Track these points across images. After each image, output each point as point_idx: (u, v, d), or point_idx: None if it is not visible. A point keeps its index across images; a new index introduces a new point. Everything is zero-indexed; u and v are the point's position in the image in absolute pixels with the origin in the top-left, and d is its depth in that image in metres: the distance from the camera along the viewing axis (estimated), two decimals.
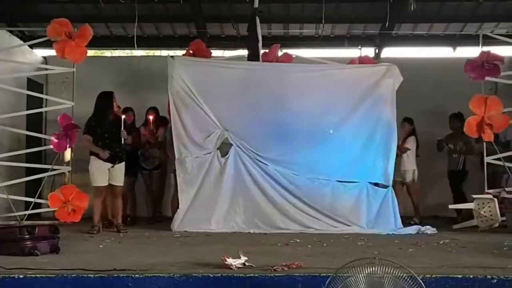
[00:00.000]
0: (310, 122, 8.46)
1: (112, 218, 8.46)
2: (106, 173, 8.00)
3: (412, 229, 8.05)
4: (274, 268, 4.51)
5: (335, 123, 8.49)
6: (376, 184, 8.45)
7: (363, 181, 8.40)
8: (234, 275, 4.37)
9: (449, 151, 9.84)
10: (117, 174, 8.08)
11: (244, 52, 9.97)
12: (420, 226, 8.16)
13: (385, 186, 8.43)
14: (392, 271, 3.42)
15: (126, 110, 9.13)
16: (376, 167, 8.45)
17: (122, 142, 8.02)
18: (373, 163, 8.46)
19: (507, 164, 8.84)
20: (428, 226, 8.14)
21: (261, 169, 8.36)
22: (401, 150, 9.34)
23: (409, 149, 9.51)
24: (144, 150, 9.55)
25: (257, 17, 9.06)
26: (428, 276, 4.24)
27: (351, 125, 8.50)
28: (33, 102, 10.14)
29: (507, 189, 8.88)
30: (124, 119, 8.12)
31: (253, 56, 9.04)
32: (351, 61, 9.51)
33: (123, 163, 8.16)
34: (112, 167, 8.00)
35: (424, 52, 12.62)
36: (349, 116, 8.51)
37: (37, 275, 4.34)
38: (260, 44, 9.03)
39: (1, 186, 8.67)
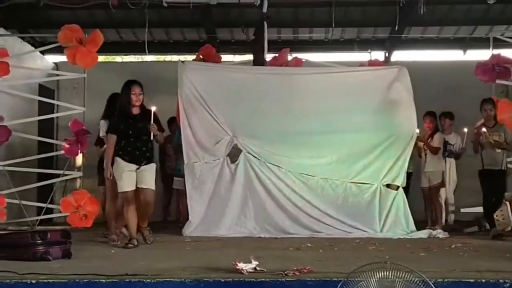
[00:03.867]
0: (323, 125, 8.43)
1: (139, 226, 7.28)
2: (133, 176, 6.83)
3: (424, 233, 8.01)
4: (285, 272, 4.50)
5: (348, 125, 8.45)
6: (388, 186, 8.42)
7: (376, 182, 8.38)
8: (245, 279, 4.37)
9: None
10: (146, 175, 6.87)
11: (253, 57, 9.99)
12: (431, 230, 8.12)
13: (397, 188, 8.39)
14: (403, 275, 3.40)
15: None
16: (390, 169, 8.41)
17: (152, 138, 6.92)
18: (387, 165, 8.42)
19: None
20: (439, 230, 8.10)
21: (272, 174, 8.34)
22: (432, 150, 8.65)
23: (440, 149, 8.75)
24: None
25: (265, 22, 9.09)
26: (440, 280, 4.22)
27: (365, 127, 8.47)
28: (44, 108, 10.21)
29: None
30: (154, 112, 6.93)
31: (258, 61, 9.07)
32: (361, 64, 9.52)
33: (153, 165, 7.06)
34: (138, 168, 6.83)
35: (434, 56, 12.60)
36: (363, 118, 8.49)
37: (50, 280, 4.35)
38: (265, 49, 9.07)
39: (13, 192, 8.73)
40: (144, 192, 6.85)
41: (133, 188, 6.82)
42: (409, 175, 8.77)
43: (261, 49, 9.07)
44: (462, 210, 9.17)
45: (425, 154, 8.74)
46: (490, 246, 6.87)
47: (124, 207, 6.88)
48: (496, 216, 8.22)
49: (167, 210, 10.48)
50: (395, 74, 8.62)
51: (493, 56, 8.99)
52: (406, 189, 8.59)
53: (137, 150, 6.86)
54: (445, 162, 9.03)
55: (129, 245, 6.66)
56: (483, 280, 4.31)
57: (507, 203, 8.32)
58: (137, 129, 6.85)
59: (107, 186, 7.39)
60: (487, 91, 9.06)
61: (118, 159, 6.82)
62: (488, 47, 9.44)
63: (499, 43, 9.59)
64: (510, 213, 8.31)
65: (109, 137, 6.94)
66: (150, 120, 6.83)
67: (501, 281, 4.28)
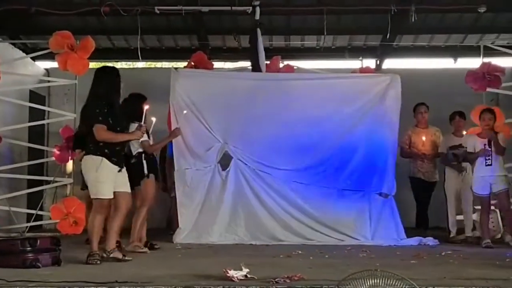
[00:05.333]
0: (315, 132, 8.45)
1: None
2: (113, 181, 6.10)
3: (414, 241, 8.03)
4: (276, 280, 4.50)
5: (340, 133, 8.49)
6: (380, 194, 8.45)
7: (367, 190, 8.40)
8: (236, 287, 4.36)
9: None
10: (125, 177, 6.24)
11: (245, 64, 10.00)
12: (422, 238, 8.14)
13: (387, 196, 8.43)
14: (394, 283, 3.41)
15: None
16: (380, 176, 8.44)
17: (140, 141, 6.69)
18: (378, 173, 8.45)
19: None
20: (430, 238, 8.12)
21: (263, 181, 8.35)
22: (500, 150, 7.73)
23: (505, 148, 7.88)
24: None
25: (258, 29, 9.11)
26: (430, 287, 4.23)
27: (356, 135, 8.50)
28: (35, 114, 10.18)
29: None
30: (146, 111, 6.55)
31: (255, 69, 9.08)
32: (353, 72, 9.54)
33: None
34: (120, 171, 6.15)
35: (425, 63, 12.67)
36: (354, 126, 8.51)
37: None
38: (263, 55, 9.07)
39: (3, 198, 8.69)
40: (126, 197, 6.21)
41: (112, 195, 6.09)
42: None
43: (256, 56, 9.07)
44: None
45: (489, 157, 7.72)
46: (480, 253, 6.89)
47: (95, 215, 6.01)
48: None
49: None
50: (388, 82, 8.65)
51: (484, 64, 9.04)
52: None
53: (122, 150, 6.37)
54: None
55: (94, 260, 5.82)
56: None
57: (497, 210, 8.37)
58: (122, 127, 6.31)
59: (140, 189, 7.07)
60: (477, 99, 9.11)
61: (104, 160, 5.98)
62: (479, 55, 9.50)
63: (489, 52, 9.65)
64: (500, 221, 8.38)
65: (99, 128, 5.98)
66: (141, 119, 6.43)
67: None
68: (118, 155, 6.16)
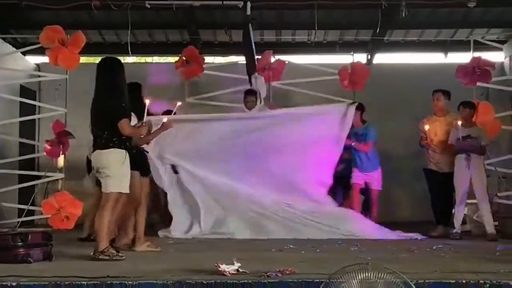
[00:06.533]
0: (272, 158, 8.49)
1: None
2: None
3: (393, 234, 8.07)
4: (267, 274, 4.52)
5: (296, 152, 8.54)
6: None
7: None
8: (228, 281, 4.38)
9: None
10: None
11: (236, 58, 9.98)
12: (401, 232, 8.15)
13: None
14: (385, 276, 3.44)
15: None
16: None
17: (144, 134, 6.48)
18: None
19: (500, 169, 8.90)
20: (414, 234, 8.11)
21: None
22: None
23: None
24: None
25: (250, 24, 9.10)
26: (421, 281, 4.26)
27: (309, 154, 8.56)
28: (25, 109, 10.13)
29: (499, 194, 8.93)
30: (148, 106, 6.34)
31: (250, 63, 9.08)
32: (343, 67, 9.55)
33: None
34: None
35: (416, 58, 12.71)
36: (309, 146, 8.56)
37: (31, 283, 4.33)
38: (254, 50, 9.07)
39: None
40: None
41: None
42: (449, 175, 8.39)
43: (250, 50, 9.07)
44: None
45: None
46: (470, 247, 6.94)
47: (110, 211, 5.88)
48: (477, 217, 8.34)
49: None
50: (343, 111, 8.68)
51: (474, 58, 9.07)
52: (441, 191, 8.58)
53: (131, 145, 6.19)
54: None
55: (119, 256, 5.77)
56: (464, 281, 4.35)
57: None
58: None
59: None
60: (467, 93, 9.15)
61: (127, 154, 5.91)
62: (469, 50, 9.54)
63: (479, 46, 9.69)
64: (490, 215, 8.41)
65: (124, 123, 5.87)
66: (144, 114, 6.24)
67: (481, 282, 4.33)
68: (131, 149, 6.10)
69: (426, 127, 8.51)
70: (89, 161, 7.26)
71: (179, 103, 6.37)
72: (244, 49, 9.42)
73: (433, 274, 4.65)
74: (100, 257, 5.70)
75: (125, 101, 5.96)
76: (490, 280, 4.35)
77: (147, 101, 6.35)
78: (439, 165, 8.55)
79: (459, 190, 8.17)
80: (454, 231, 7.98)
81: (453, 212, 8.43)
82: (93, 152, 6.04)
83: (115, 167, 5.87)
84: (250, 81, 9.28)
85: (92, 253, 5.81)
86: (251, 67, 9.21)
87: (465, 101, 8.59)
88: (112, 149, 5.86)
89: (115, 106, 5.89)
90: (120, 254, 5.79)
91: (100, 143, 5.92)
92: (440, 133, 8.60)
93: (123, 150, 5.87)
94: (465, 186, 8.11)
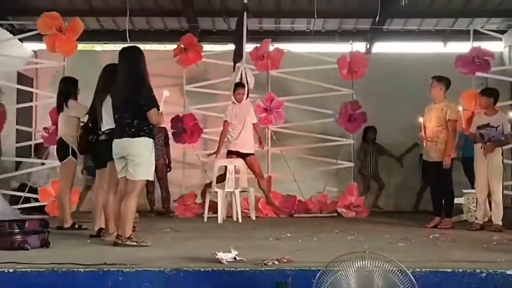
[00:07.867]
0: None
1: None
2: None
3: None
4: (264, 262, 4.51)
5: None
6: None
7: None
8: (225, 269, 4.37)
9: None
10: None
11: (234, 47, 9.92)
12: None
13: None
14: (382, 265, 3.43)
15: None
16: None
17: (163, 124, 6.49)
18: None
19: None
20: None
21: None
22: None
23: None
24: None
25: (245, 12, 9.08)
26: (418, 270, 4.25)
27: None
28: (23, 96, 10.10)
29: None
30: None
31: (238, 51, 9.07)
32: (342, 56, 9.52)
33: None
34: None
35: (415, 47, 12.66)
36: None
37: (27, 269, 4.31)
38: (244, 40, 9.06)
39: None
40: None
41: None
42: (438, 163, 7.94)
43: (241, 39, 9.05)
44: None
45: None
46: (467, 236, 6.94)
47: (136, 198, 5.85)
48: (473, 207, 8.34)
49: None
50: None
51: (473, 48, 9.06)
52: (431, 180, 8.38)
53: None
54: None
55: (143, 242, 5.80)
56: (460, 270, 4.34)
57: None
58: None
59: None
60: (466, 83, 9.13)
61: (152, 141, 5.93)
62: (469, 40, 9.52)
63: (479, 36, 9.67)
64: (487, 204, 8.41)
65: (158, 113, 5.88)
66: (160, 105, 5.97)
67: (477, 270, 4.33)
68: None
69: (420, 120, 8.23)
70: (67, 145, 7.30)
71: (166, 93, 6.21)
72: (235, 37, 9.41)
73: (429, 263, 4.65)
74: (127, 243, 5.69)
75: (152, 90, 5.95)
76: (487, 269, 4.35)
77: (165, 93, 6.07)
78: (430, 154, 8.09)
79: (478, 179, 7.85)
80: (475, 222, 7.67)
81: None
82: (117, 139, 5.91)
83: (146, 155, 5.87)
84: (234, 69, 9.37)
85: (116, 240, 5.78)
86: (238, 55, 9.21)
87: (484, 88, 8.31)
88: (143, 138, 5.85)
89: (145, 96, 5.88)
90: (146, 241, 5.82)
91: (129, 131, 5.85)
92: (434, 120, 8.10)
93: (151, 139, 5.90)
94: (484, 174, 7.74)
